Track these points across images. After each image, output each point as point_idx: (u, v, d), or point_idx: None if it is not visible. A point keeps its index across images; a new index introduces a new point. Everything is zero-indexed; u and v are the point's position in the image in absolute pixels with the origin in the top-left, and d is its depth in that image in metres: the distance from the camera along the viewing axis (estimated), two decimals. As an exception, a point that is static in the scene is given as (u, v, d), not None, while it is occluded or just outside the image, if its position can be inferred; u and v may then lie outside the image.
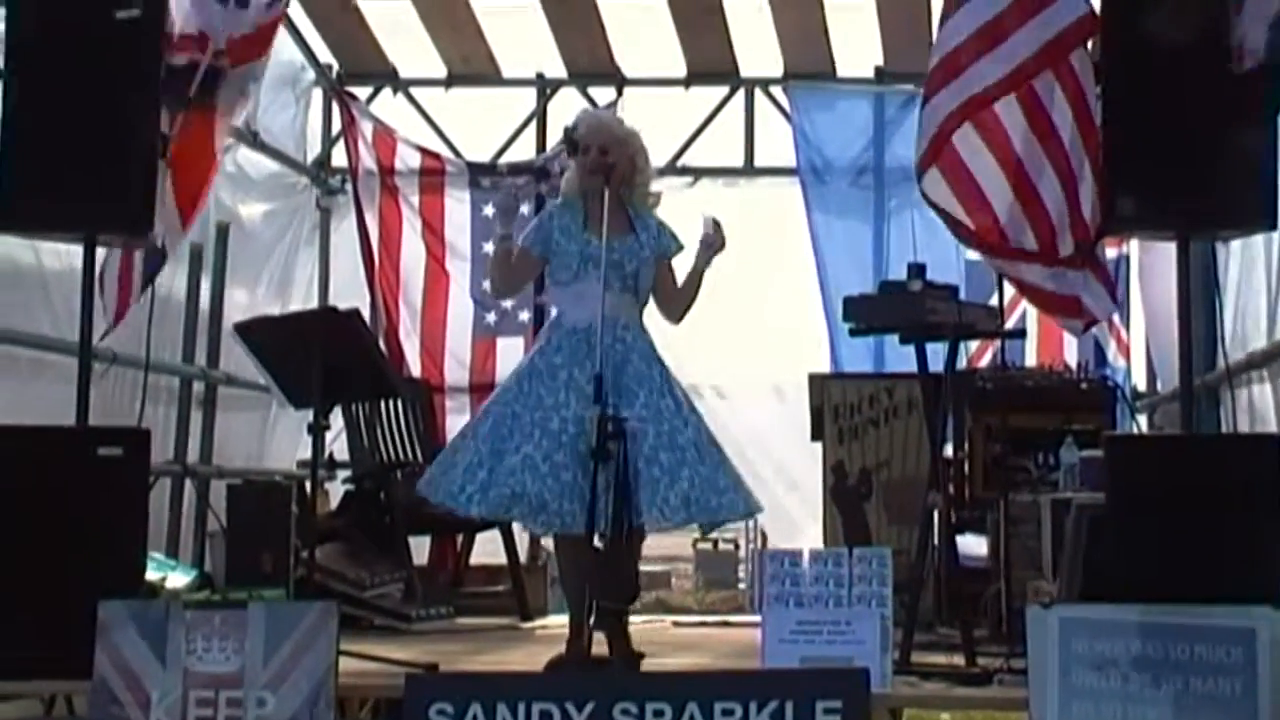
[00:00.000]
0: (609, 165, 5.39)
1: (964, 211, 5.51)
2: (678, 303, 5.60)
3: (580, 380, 5.21)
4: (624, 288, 5.39)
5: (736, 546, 15.55)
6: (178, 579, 6.33)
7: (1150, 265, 7.55)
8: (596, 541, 4.85)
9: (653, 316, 5.62)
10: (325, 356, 5.27)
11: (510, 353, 8.85)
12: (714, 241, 5.51)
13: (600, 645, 5.01)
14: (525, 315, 8.83)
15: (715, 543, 15.40)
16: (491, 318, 8.91)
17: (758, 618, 5.57)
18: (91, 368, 5.17)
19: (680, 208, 6.65)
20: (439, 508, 5.47)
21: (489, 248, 8.83)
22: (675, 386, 5.41)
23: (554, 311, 5.65)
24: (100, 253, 5.27)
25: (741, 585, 13.45)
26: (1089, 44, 5.43)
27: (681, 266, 5.63)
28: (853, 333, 5.72)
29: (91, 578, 4.72)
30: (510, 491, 5.20)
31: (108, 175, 5.00)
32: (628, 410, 5.15)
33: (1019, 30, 5.31)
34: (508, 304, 8.79)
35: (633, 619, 5.19)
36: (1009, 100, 5.42)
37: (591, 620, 4.88)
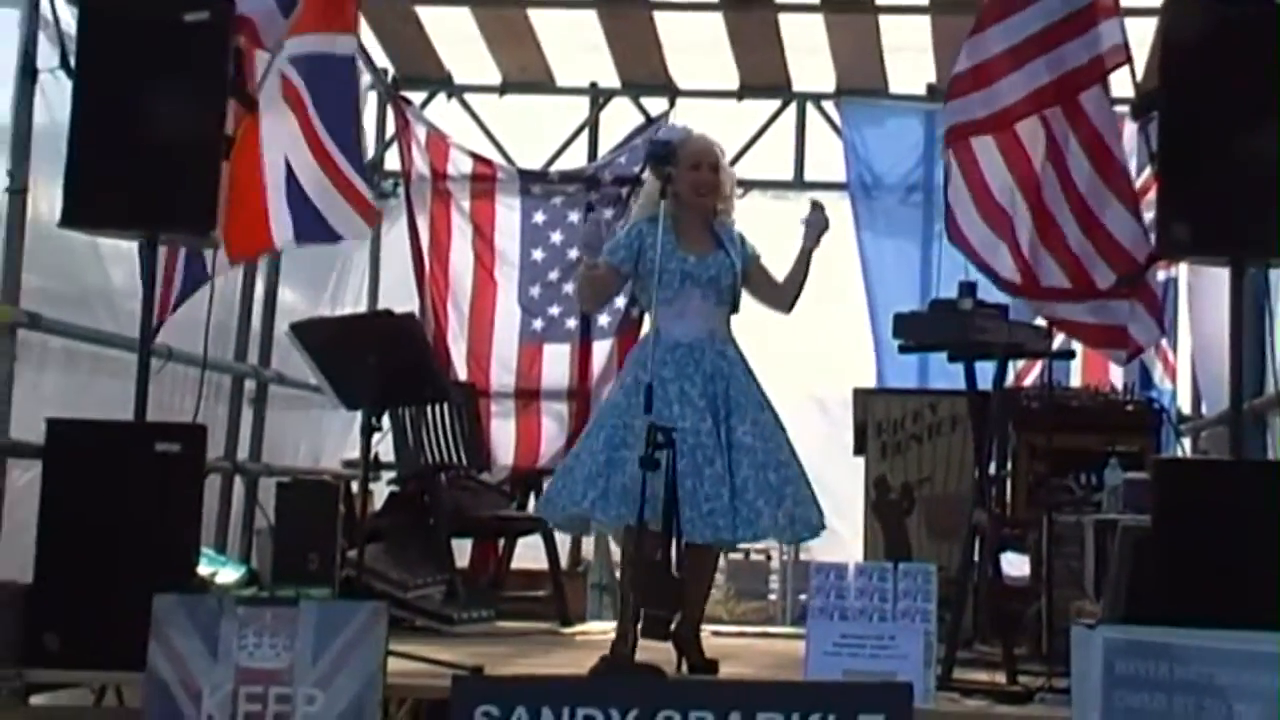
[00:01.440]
0: (716, 184, 5.55)
1: (992, 239, 5.55)
2: (788, 291, 5.71)
3: (692, 394, 5.38)
4: (719, 302, 5.53)
5: (768, 558, 15.52)
6: (227, 575, 6.40)
7: (1200, 289, 7.53)
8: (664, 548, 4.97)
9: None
10: (380, 359, 5.32)
11: (556, 359, 8.91)
12: (818, 222, 5.62)
13: (647, 652, 5.04)
14: (572, 323, 8.87)
15: (747, 553, 15.37)
16: (538, 324, 8.94)
17: (794, 629, 5.61)
18: (150, 363, 5.25)
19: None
20: (560, 519, 5.65)
21: (538, 255, 8.96)
22: (768, 399, 5.54)
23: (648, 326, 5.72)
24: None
25: (772, 596, 13.41)
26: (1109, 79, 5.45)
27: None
28: (902, 349, 5.75)
29: (146, 571, 4.81)
30: (634, 497, 5.24)
31: (172, 175, 5.08)
32: (739, 424, 5.34)
33: (1051, 51, 5.34)
34: (555, 310, 8.85)
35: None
36: (1033, 123, 5.44)
37: (639, 627, 4.93)
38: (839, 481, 8.29)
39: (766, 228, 8.34)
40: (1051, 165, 5.46)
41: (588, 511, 5.43)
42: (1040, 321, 6.10)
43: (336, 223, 6.09)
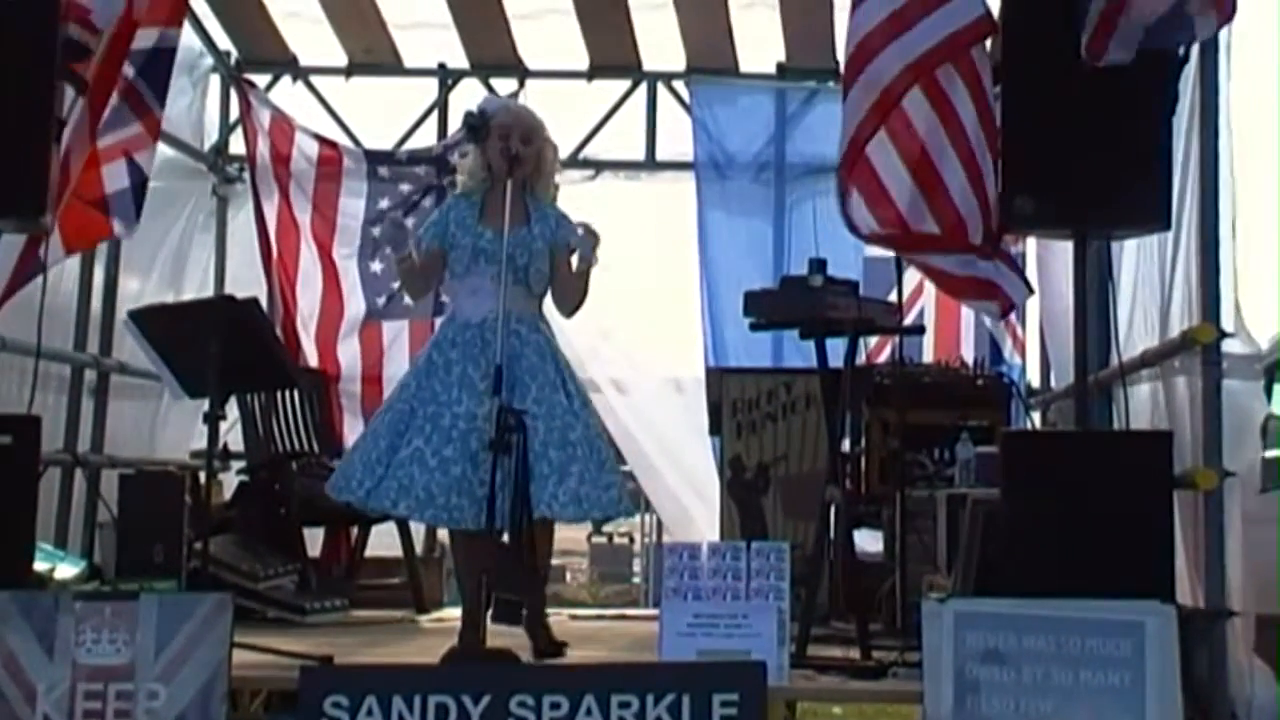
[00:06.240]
0: (522, 155, 5.40)
1: (870, 211, 5.54)
2: (565, 298, 5.64)
3: (474, 376, 5.31)
4: (515, 280, 5.40)
5: (631, 541, 15.59)
6: (66, 569, 6.23)
7: (1047, 263, 7.62)
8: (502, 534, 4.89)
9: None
10: (222, 346, 5.20)
11: (395, 337, 8.77)
12: (588, 241, 5.50)
13: (496, 638, 4.98)
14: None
15: (610, 537, 15.44)
16: (381, 301, 8.79)
17: (654, 611, 5.57)
18: (-21, 354, 5.09)
19: (581, 201, 6.64)
20: (338, 502, 5.50)
21: (376, 231, 8.80)
22: (570, 381, 5.49)
23: (448, 306, 5.64)
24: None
25: (636, 579, 13.48)
26: (986, 44, 5.46)
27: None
28: (753, 327, 5.73)
29: (-22, 568, 4.65)
30: (398, 485, 5.29)
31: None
32: (519, 404, 5.19)
33: (922, 20, 5.33)
34: (396, 285, 8.66)
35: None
36: (914, 93, 5.44)
37: (490, 613, 4.87)
38: (695, 461, 8.34)
39: (618, 209, 8.36)
40: (939, 121, 5.44)
41: (360, 500, 5.37)
42: (900, 291, 6.13)
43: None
